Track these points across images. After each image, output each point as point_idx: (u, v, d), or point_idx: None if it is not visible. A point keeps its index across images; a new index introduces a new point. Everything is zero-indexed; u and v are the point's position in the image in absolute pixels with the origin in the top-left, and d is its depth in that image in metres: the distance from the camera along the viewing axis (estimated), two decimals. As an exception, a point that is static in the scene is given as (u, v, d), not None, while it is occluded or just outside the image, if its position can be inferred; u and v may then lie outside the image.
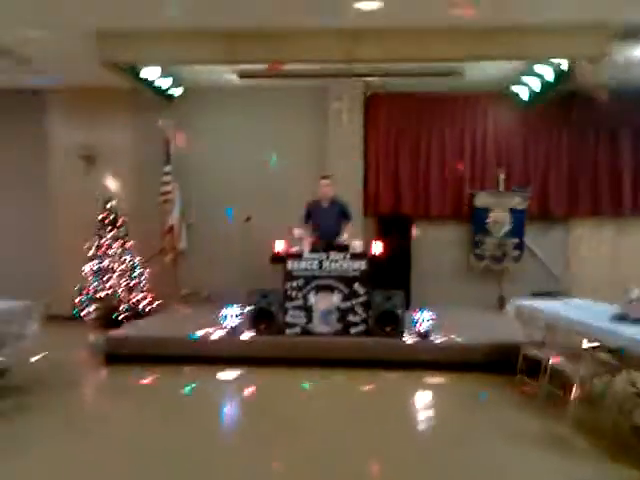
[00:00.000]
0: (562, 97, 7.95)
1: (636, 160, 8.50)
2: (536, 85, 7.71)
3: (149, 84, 7.69)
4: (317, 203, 7.02)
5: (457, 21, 5.92)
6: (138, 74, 7.32)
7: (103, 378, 6.03)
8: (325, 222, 6.92)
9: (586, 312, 5.25)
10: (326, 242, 6.64)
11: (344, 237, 6.77)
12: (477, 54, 6.23)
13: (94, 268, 7.95)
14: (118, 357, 6.18)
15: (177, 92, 8.40)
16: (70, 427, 4.48)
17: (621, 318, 4.80)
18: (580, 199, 8.55)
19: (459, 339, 6.22)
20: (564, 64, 6.84)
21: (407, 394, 5.47)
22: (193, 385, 5.53)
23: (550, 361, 4.96)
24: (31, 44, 6.65)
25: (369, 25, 6.10)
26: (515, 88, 8.20)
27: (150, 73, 7.42)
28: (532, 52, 6.28)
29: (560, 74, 7.06)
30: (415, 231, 8.60)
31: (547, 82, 7.40)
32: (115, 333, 6.60)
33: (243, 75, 7.68)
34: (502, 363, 5.85)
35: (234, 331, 6.31)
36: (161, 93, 8.14)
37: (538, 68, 7.32)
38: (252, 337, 6.28)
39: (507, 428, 4.53)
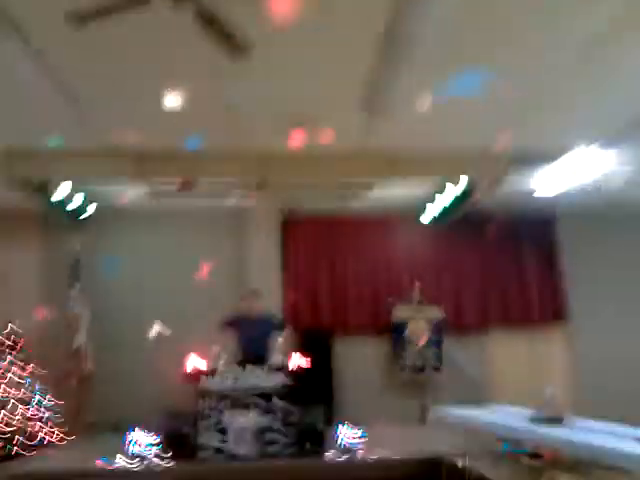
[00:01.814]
0: (469, 213, 8.44)
1: (540, 272, 9.03)
2: (440, 205, 8.14)
3: (57, 204, 7.52)
4: (240, 317, 6.86)
5: (368, 145, 6.35)
6: (49, 196, 7.18)
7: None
8: (249, 336, 6.70)
9: (505, 415, 5.24)
10: (247, 356, 6.43)
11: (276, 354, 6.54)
12: (385, 176, 6.66)
13: (-10, 395, 7.20)
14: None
15: (89, 211, 8.22)
16: None
17: (538, 419, 4.82)
18: (491, 310, 8.88)
19: (383, 454, 5.95)
20: (465, 186, 7.35)
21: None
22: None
23: (473, 468, 4.81)
24: None
25: (280, 149, 6.41)
26: (423, 207, 8.63)
27: (61, 194, 7.29)
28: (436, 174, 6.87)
29: (462, 195, 7.55)
30: (336, 344, 8.53)
31: (451, 202, 7.84)
32: (12, 468, 5.85)
33: (153, 196, 7.67)
34: (427, 476, 5.61)
35: (142, 459, 5.76)
36: (72, 215, 7.97)
37: (443, 189, 7.80)
38: (163, 464, 5.73)
39: None
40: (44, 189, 7.00)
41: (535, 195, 7.84)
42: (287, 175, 6.60)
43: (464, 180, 7.13)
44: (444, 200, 7.93)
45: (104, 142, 6.10)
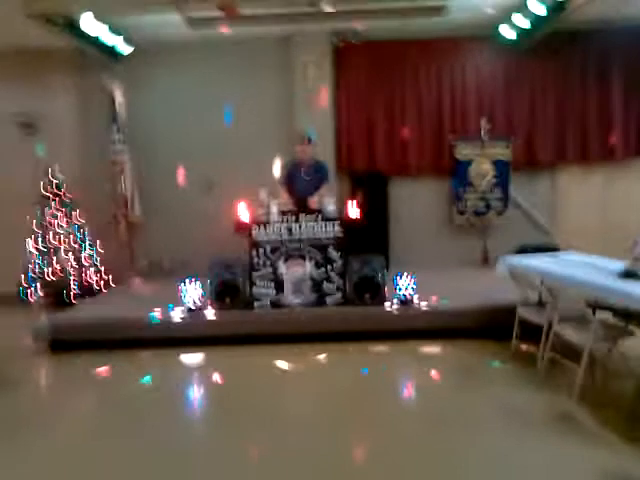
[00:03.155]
0: (550, 36, 7.20)
1: (627, 101, 7.87)
2: (524, 23, 6.90)
3: (90, 40, 6.74)
4: (296, 165, 6.30)
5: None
6: (77, 29, 6.36)
7: (47, 369, 5.29)
8: (302, 186, 6.20)
9: (587, 269, 4.69)
10: (298, 205, 5.97)
11: (314, 199, 6.09)
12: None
13: (38, 244, 7.13)
14: (65, 343, 5.46)
15: (124, 49, 7.41)
16: (8, 432, 3.80)
17: (629, 274, 4.26)
18: (567, 145, 7.90)
19: (445, 303, 5.65)
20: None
21: (390, 368, 4.88)
22: (151, 372, 4.88)
23: (551, 325, 4.42)
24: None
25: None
26: (501, 28, 7.38)
27: (90, 27, 6.45)
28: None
29: (552, 8, 6.29)
30: (392, 187, 7.97)
31: (537, 18, 6.60)
32: (60, 316, 5.86)
33: (193, 22, 6.66)
34: (495, 328, 5.32)
35: (196, 308, 5.63)
36: (105, 50, 7.19)
37: (526, 1, 6.54)
38: (216, 314, 5.60)
39: (504, 404, 3.97)
40: (72, 23, 6.18)
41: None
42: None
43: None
44: (529, 13, 6.69)
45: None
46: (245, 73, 7.84)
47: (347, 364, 4.93)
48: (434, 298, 5.75)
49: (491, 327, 5.36)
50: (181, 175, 7.82)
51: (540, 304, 4.87)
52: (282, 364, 4.96)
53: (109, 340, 5.44)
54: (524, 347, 4.81)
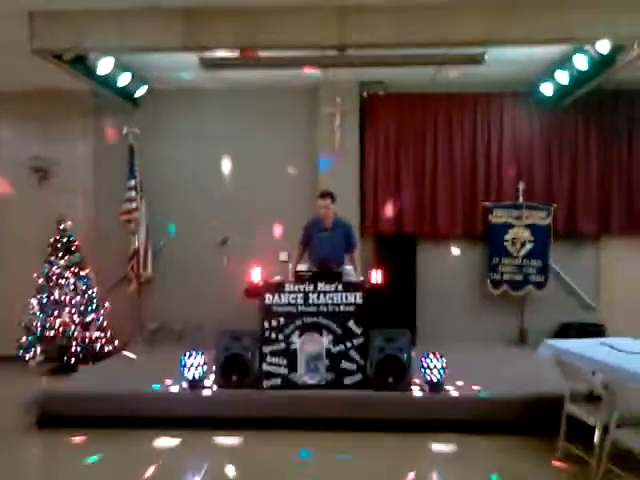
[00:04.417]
0: (593, 94, 6.78)
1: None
2: (565, 79, 6.48)
3: (103, 80, 6.49)
4: (318, 223, 5.88)
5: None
6: (91, 71, 6.13)
7: (28, 450, 4.71)
8: (323, 247, 5.76)
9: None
10: (318, 269, 5.49)
11: (348, 268, 5.61)
12: (501, 36, 5.03)
13: (42, 301, 6.73)
14: (55, 418, 4.92)
15: (140, 92, 7.21)
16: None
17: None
18: (612, 215, 7.29)
19: (480, 390, 4.98)
20: (603, 49, 5.60)
21: (413, 467, 4.20)
22: (140, 459, 4.30)
23: (607, 429, 3.72)
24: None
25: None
26: (540, 84, 6.97)
27: (106, 70, 6.22)
28: (568, 32, 5.03)
29: (598, 63, 5.84)
30: (420, 252, 7.41)
31: (580, 74, 6.17)
32: (53, 386, 5.38)
33: (207, 63, 6.27)
34: (536, 422, 4.66)
35: (197, 384, 5.07)
36: (122, 94, 6.97)
37: (570, 56, 6.10)
38: (220, 391, 5.02)
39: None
40: (82, 60, 5.94)
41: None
42: (372, 34, 5.11)
43: (604, 42, 5.42)
44: (571, 69, 6.25)
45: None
46: (267, 122, 7.47)
47: (355, 460, 4.28)
48: (466, 384, 5.09)
49: (532, 420, 4.69)
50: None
51: (591, 398, 4.19)
52: (282, 457, 4.33)
53: (103, 417, 4.89)
54: (573, 450, 4.10)
